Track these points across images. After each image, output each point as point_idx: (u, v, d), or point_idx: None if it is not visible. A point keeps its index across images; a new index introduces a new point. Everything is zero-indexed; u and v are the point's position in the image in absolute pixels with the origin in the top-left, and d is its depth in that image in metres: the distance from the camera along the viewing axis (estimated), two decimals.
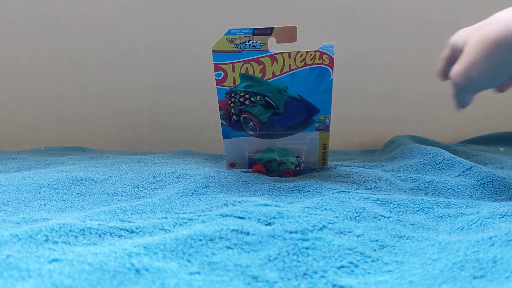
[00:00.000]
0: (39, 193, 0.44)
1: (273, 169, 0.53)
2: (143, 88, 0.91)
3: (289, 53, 0.47)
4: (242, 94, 0.48)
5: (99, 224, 0.31)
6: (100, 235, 0.30)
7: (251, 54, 0.47)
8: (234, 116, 0.50)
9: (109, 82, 0.91)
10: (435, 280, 0.25)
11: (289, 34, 0.46)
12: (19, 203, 0.40)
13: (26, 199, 0.42)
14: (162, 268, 0.25)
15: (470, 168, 0.52)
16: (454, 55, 0.45)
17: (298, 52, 0.47)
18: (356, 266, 0.27)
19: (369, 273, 0.27)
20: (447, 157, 0.57)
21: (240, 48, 0.46)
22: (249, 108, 0.49)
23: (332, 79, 0.48)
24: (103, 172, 0.52)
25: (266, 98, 0.48)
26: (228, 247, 0.28)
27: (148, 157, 0.66)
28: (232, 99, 0.49)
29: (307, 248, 0.28)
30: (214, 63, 0.48)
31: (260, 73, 0.47)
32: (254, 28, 0.46)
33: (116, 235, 0.30)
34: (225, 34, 0.46)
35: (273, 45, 0.75)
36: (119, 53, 0.90)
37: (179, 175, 0.50)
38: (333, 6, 0.92)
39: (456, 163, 0.55)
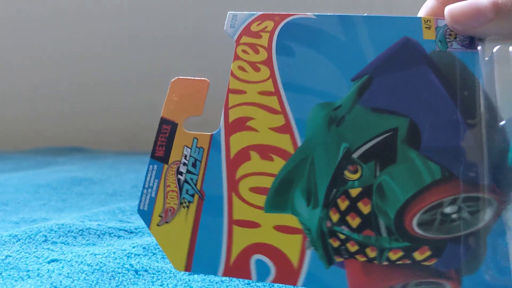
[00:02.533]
0: (38, 193, 0.44)
1: None
2: (143, 87, 0.91)
3: None
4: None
5: (98, 224, 0.31)
6: (99, 236, 0.30)
7: None
8: None
9: (109, 81, 0.91)
10: None
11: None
12: (18, 203, 0.40)
13: (25, 199, 0.42)
14: (161, 268, 0.25)
15: None
16: None
17: None
18: None
19: None
20: None
21: None
22: None
23: None
24: (102, 172, 0.52)
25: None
26: None
27: (147, 157, 0.66)
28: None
29: None
30: None
31: None
32: None
33: (115, 236, 0.30)
34: None
35: None
36: (118, 51, 0.90)
37: None
38: None
39: None
